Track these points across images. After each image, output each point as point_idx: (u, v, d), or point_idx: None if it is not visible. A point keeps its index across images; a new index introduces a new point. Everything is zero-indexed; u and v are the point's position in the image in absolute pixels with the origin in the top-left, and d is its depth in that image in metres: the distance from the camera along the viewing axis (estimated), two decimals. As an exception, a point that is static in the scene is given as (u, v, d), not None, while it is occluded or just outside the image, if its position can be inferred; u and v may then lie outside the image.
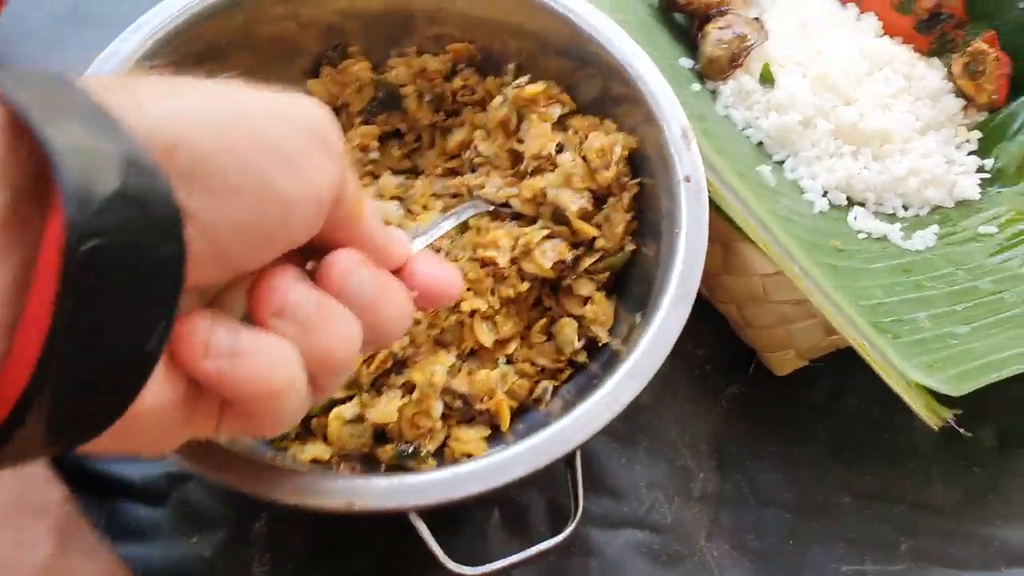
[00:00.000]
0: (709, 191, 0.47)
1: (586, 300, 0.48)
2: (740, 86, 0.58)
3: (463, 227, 0.51)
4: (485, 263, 0.47)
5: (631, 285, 0.49)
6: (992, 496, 0.50)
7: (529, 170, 0.49)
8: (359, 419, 0.45)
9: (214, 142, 0.21)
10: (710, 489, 0.50)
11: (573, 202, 0.47)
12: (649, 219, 0.48)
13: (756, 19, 0.61)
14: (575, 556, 0.47)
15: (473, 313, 0.46)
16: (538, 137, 0.49)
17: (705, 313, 0.54)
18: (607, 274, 0.49)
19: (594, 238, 0.48)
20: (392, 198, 0.53)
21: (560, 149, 0.49)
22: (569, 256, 0.47)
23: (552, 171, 0.48)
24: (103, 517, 0.46)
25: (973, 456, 0.51)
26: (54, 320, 0.17)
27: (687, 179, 0.45)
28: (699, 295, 0.53)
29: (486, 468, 0.38)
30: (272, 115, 0.23)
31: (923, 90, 0.61)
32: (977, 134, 0.60)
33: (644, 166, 0.48)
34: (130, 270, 0.19)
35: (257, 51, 0.51)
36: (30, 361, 0.18)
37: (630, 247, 0.49)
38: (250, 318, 0.25)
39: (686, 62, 0.59)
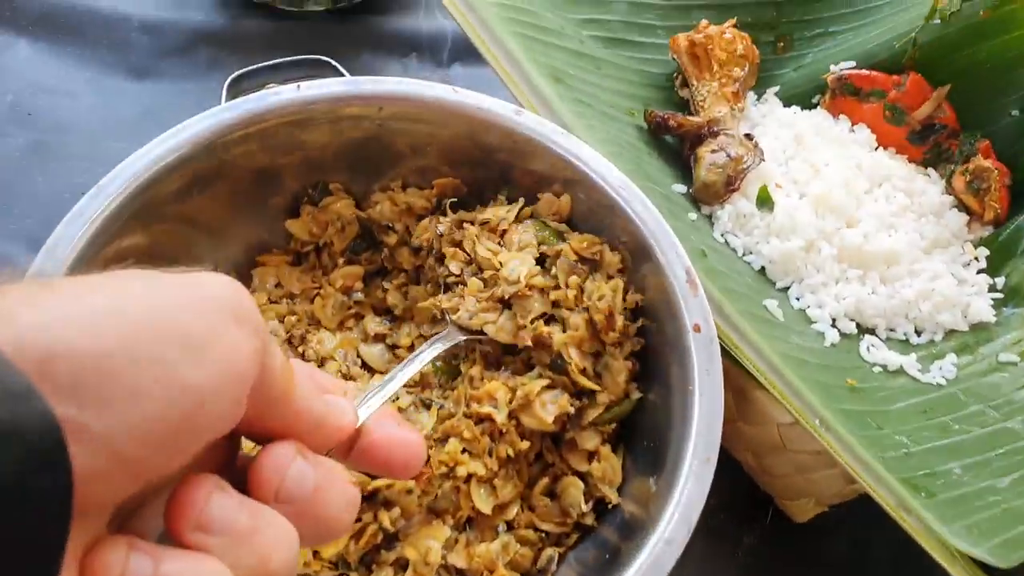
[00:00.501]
0: (720, 338, 0.44)
1: (591, 455, 0.44)
2: (737, 210, 0.56)
3: (453, 375, 0.47)
4: (481, 419, 0.43)
5: (639, 437, 0.45)
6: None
7: (506, 296, 0.45)
8: None
9: (97, 343, 0.19)
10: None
11: (579, 357, 0.43)
12: (654, 363, 0.45)
13: (749, 137, 0.59)
14: None
15: (469, 478, 0.42)
16: (521, 265, 0.45)
17: (718, 460, 0.50)
18: (613, 426, 0.45)
19: (595, 391, 0.44)
20: (376, 337, 0.50)
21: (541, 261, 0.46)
22: (571, 408, 0.44)
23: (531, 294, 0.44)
24: None
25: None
26: None
27: (696, 327, 0.42)
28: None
29: None
30: (170, 300, 0.21)
31: (925, 206, 0.59)
32: (984, 251, 0.58)
33: (646, 310, 0.45)
34: (7, 514, 0.16)
35: (233, 190, 0.48)
36: None
37: (636, 395, 0.45)
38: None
39: (679, 188, 0.57)
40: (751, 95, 0.66)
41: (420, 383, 0.47)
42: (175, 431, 0.20)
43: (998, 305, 0.56)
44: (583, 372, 0.44)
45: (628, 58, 0.63)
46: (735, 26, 0.64)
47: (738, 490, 0.50)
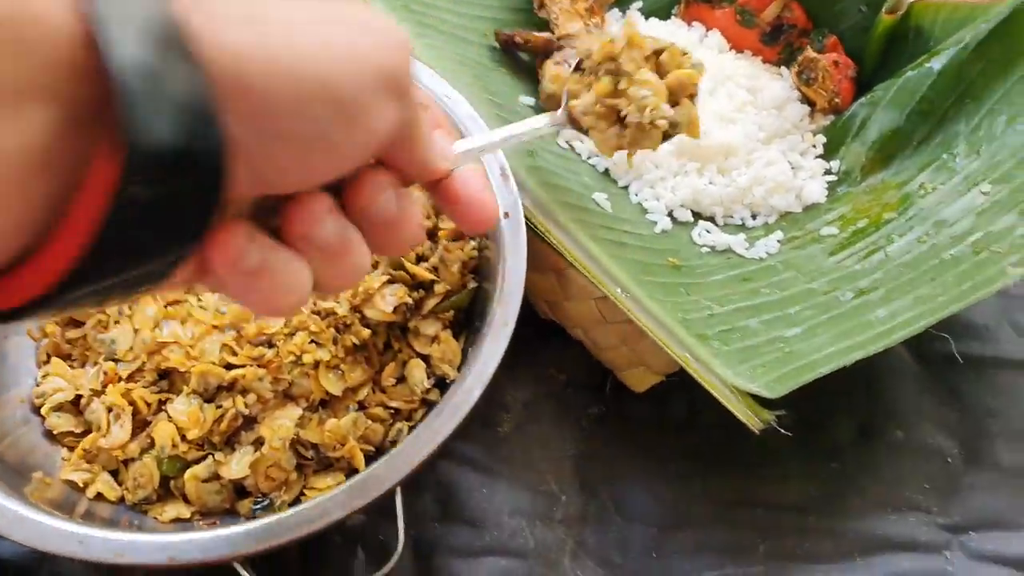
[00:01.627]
0: (531, 223, 0.49)
1: (434, 339, 0.49)
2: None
3: None
4: (327, 314, 0.49)
5: (475, 320, 0.50)
6: (848, 490, 0.51)
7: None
8: (215, 477, 0.46)
9: (286, 91, 0.21)
10: (573, 511, 0.51)
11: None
12: (487, 256, 0.50)
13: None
14: (437, 590, 0.48)
15: (317, 364, 0.48)
16: None
17: (565, 339, 0.56)
18: (451, 312, 0.50)
19: (432, 281, 0.49)
20: None
21: None
22: (410, 299, 0.49)
23: None
24: (-20, 594, 0.47)
25: (830, 453, 0.52)
26: (88, 250, 0.19)
27: (506, 214, 0.47)
28: (554, 322, 0.56)
29: (304, 513, 0.39)
30: (350, 61, 0.23)
31: (768, 101, 0.63)
32: (822, 138, 0.62)
33: None
34: (168, 210, 0.20)
35: None
36: (73, 253, 0.19)
37: (472, 284, 0.50)
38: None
39: (527, 99, 0.61)
40: (615, 12, 0.70)
41: None
42: (310, 172, 0.24)
43: (832, 187, 0.60)
44: (421, 266, 0.49)
45: (485, -18, 0.67)
46: (588, -55, 0.67)
47: (583, 367, 0.55)
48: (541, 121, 0.43)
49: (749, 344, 0.47)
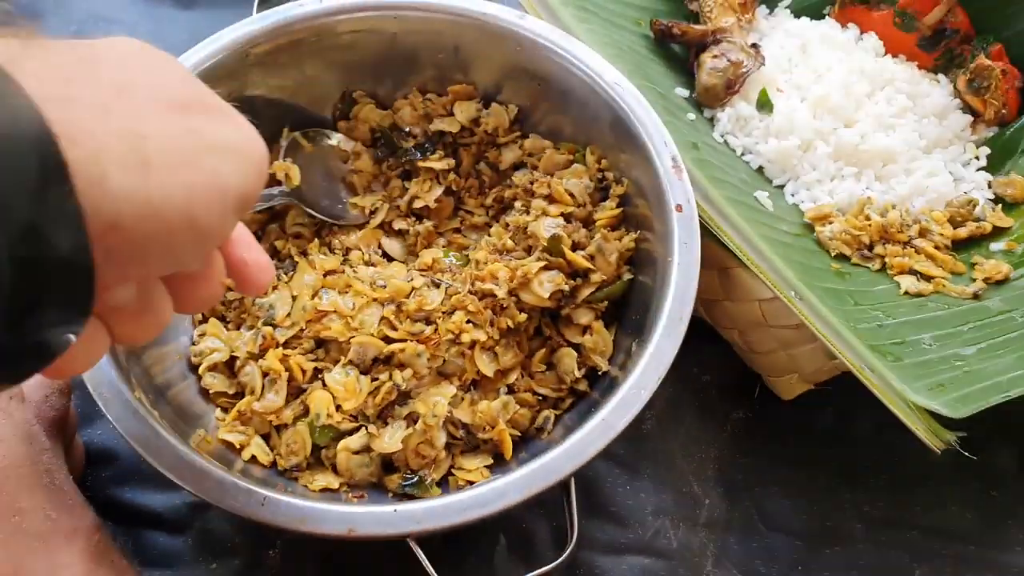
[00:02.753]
0: (703, 218, 0.47)
1: (585, 329, 0.48)
2: (737, 113, 0.59)
3: (464, 263, 0.52)
4: (484, 295, 0.48)
5: (630, 313, 0.49)
6: (1010, 521, 0.49)
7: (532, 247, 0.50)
8: (366, 449, 0.46)
9: (155, 230, 0.23)
10: (717, 515, 0.50)
11: (548, 230, 0.48)
12: (646, 248, 0.49)
13: (753, 45, 0.61)
14: (579, 583, 0.47)
15: (473, 344, 0.47)
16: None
17: (711, 339, 0.54)
18: (605, 303, 0.49)
19: (588, 270, 0.48)
20: (397, 232, 0.55)
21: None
22: (566, 286, 0.48)
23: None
24: (130, 543, 0.48)
25: (990, 480, 0.50)
26: None
27: (679, 208, 0.46)
28: (703, 322, 0.54)
29: (481, 496, 0.39)
30: (214, 196, 0.25)
31: (928, 108, 0.61)
32: (986, 150, 0.59)
33: (640, 196, 0.49)
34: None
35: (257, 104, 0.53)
36: None
37: (627, 276, 0.49)
38: None
39: (682, 91, 0.59)
40: (763, 8, 0.68)
41: (431, 267, 0.52)
42: (156, 271, 0.27)
43: (996, 203, 0.58)
44: (578, 254, 0.49)
45: (639, -28, 0.65)
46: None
47: (729, 369, 0.54)
48: None
49: (923, 360, 0.45)
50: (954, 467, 0.51)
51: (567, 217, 0.50)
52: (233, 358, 0.48)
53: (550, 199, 0.51)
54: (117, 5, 0.73)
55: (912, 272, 0.51)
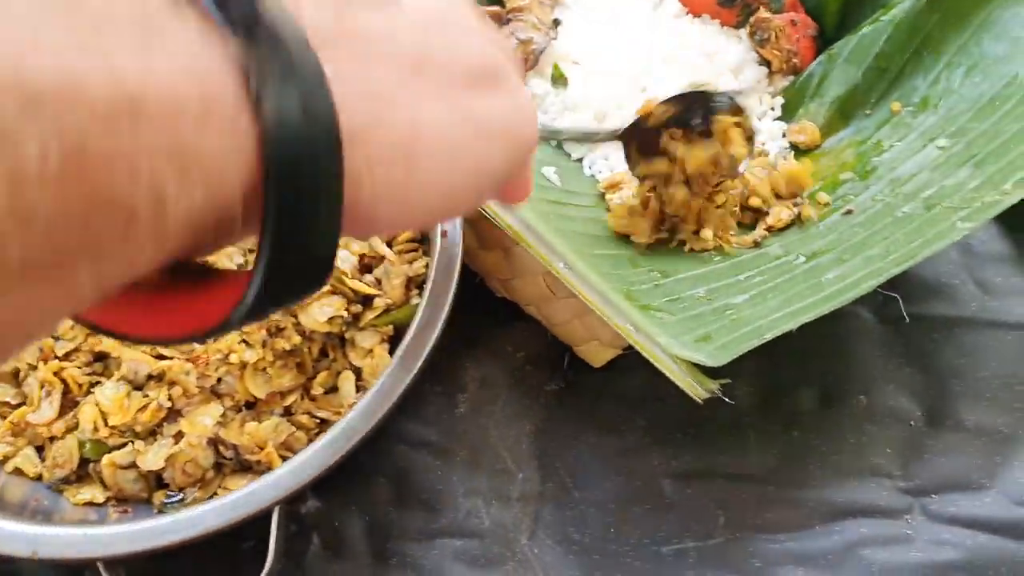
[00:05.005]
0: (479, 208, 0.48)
1: (368, 352, 0.49)
2: (532, 91, 0.59)
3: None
4: None
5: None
6: (809, 458, 0.50)
7: None
8: (134, 465, 0.46)
9: (403, 221, 0.23)
10: (530, 488, 0.50)
11: (343, 262, 0.48)
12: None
13: (545, 21, 0.62)
14: (392, 571, 0.48)
15: (244, 365, 0.47)
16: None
17: (522, 316, 0.55)
18: (390, 327, 0.49)
19: (372, 295, 0.49)
20: None
21: None
22: (346, 312, 0.48)
23: None
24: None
25: (792, 421, 0.51)
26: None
27: (444, 234, 0.46)
28: (510, 300, 0.55)
29: (177, 522, 0.39)
30: (475, 178, 0.24)
31: (724, 64, 0.62)
32: (780, 99, 0.61)
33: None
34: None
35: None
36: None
37: (416, 301, 0.49)
38: None
39: (477, 75, 0.60)
40: (567, -20, 0.68)
41: None
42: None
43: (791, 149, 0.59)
44: (365, 278, 0.49)
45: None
46: (540, -85, 0.66)
47: (541, 343, 0.54)
48: (602, 131, 0.48)
49: (695, 313, 0.46)
50: (760, 413, 0.52)
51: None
52: (18, 369, 0.48)
53: None
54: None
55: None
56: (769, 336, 0.43)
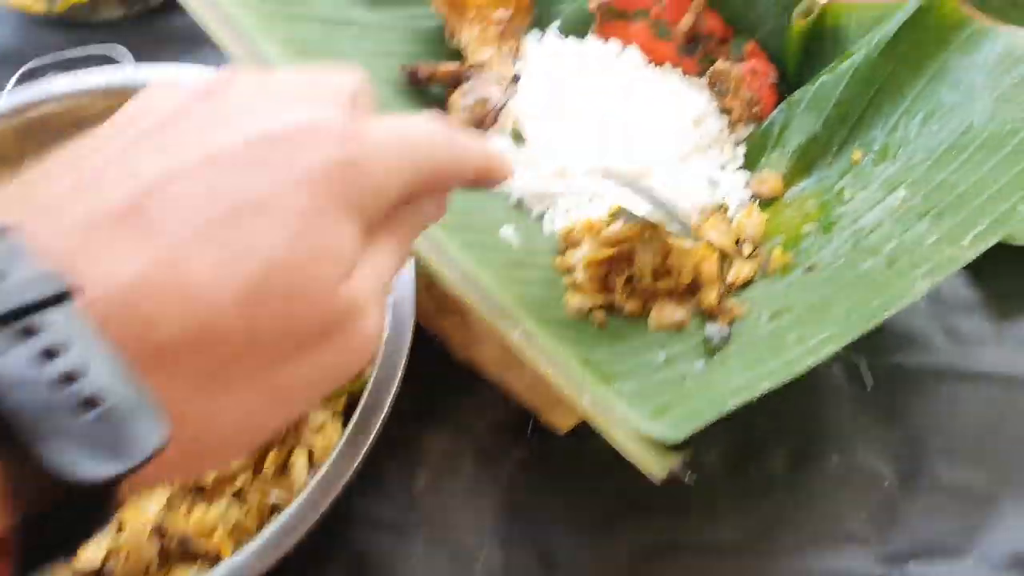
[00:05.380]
0: (432, 270, 0.47)
1: (320, 429, 0.47)
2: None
3: None
4: None
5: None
6: (783, 525, 0.48)
7: None
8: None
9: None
10: (495, 563, 0.49)
11: None
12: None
13: (506, 77, 0.61)
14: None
15: None
16: None
17: (484, 380, 0.54)
18: (343, 399, 0.48)
19: None
20: None
21: None
22: None
23: None
24: None
25: (765, 487, 0.50)
26: None
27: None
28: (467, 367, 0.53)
29: None
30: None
31: (686, 116, 0.61)
32: (742, 148, 0.60)
33: None
34: None
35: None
36: None
37: (367, 373, 0.47)
38: None
39: (435, 135, 0.59)
40: (535, 33, 0.68)
41: None
42: None
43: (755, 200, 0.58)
44: None
45: (395, 17, 0.65)
46: (494, -33, 0.66)
47: (505, 409, 0.53)
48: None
49: (654, 380, 0.45)
50: (731, 478, 0.50)
51: None
52: None
53: None
54: None
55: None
56: (728, 408, 0.41)
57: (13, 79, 0.63)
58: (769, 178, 0.57)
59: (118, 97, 0.51)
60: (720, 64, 0.60)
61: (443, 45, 0.66)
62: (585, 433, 0.51)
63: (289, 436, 0.48)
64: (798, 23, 0.60)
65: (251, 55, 0.55)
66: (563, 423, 0.52)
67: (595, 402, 0.43)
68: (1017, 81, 0.48)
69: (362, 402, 0.43)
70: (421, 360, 0.47)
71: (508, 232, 0.53)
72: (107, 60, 0.66)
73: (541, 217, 0.57)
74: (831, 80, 0.56)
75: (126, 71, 0.55)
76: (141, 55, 0.71)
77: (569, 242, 0.54)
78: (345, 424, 0.47)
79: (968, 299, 0.54)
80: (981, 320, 0.53)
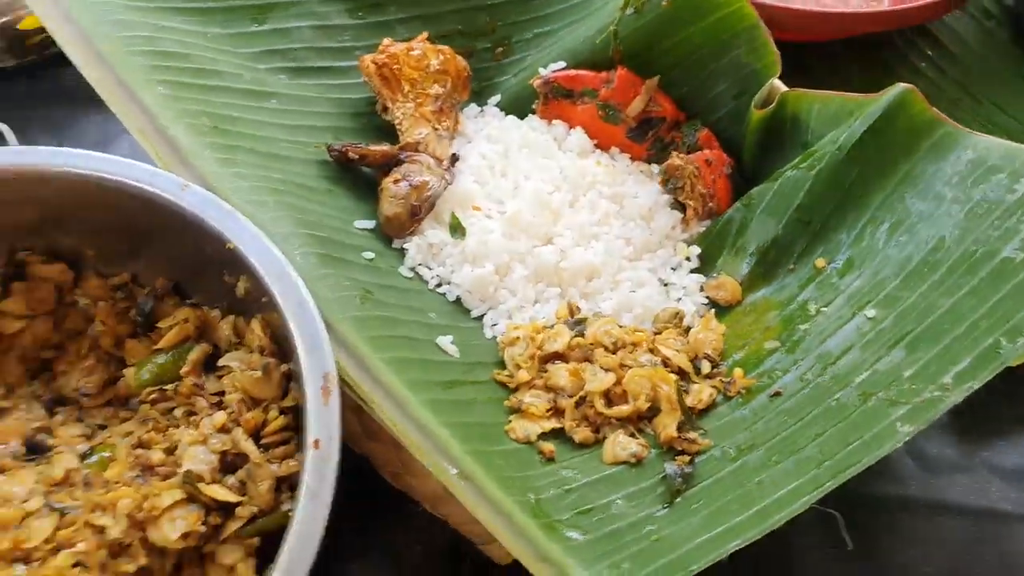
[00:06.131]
0: (360, 399, 0.41)
1: (231, 570, 0.40)
2: (427, 240, 0.53)
3: (104, 466, 0.43)
4: (99, 529, 0.39)
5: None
6: None
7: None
8: None
9: None
10: None
11: (200, 463, 0.40)
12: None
13: (453, 157, 0.56)
14: None
15: None
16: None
17: (418, 508, 0.47)
18: (256, 539, 0.41)
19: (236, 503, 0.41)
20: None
21: None
22: (202, 527, 0.40)
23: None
24: None
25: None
26: None
27: (316, 443, 0.39)
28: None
29: None
30: None
31: (635, 210, 0.57)
32: (696, 249, 0.56)
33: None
34: None
35: None
36: None
37: (286, 507, 0.41)
38: None
39: (366, 223, 0.53)
40: (473, 108, 0.63)
41: (64, 480, 0.43)
42: None
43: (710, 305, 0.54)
44: (226, 480, 0.41)
45: (318, 87, 0.59)
46: (438, 40, 0.61)
47: (442, 538, 0.47)
48: None
49: (610, 529, 0.40)
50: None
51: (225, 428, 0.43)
52: None
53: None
54: None
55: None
56: (697, 568, 0.37)
57: None
58: (727, 283, 0.53)
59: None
60: (675, 160, 0.56)
61: (372, 118, 0.60)
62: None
63: None
64: (756, 113, 0.57)
65: (149, 128, 0.48)
66: (503, 556, 0.46)
67: (544, 559, 0.37)
68: (989, 195, 0.46)
69: (287, 544, 0.36)
70: (349, 482, 0.41)
71: (445, 342, 0.47)
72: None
73: (480, 319, 0.52)
74: (793, 180, 0.53)
75: (5, 152, 0.49)
76: (27, 109, 0.64)
77: (510, 342, 0.49)
78: (260, 565, 0.40)
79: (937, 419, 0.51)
80: (945, 444, 0.50)
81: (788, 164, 0.54)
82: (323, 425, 0.39)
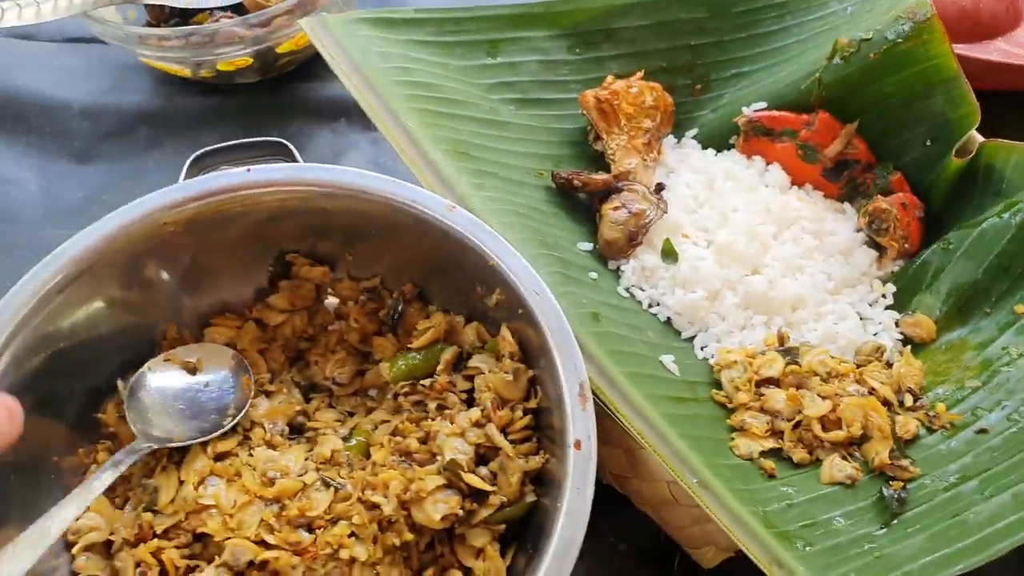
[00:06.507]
0: (603, 402, 0.46)
1: (479, 552, 0.46)
2: (642, 264, 0.58)
3: (364, 450, 0.50)
4: (370, 506, 0.45)
5: (528, 538, 0.46)
6: None
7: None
8: None
9: None
10: None
11: (461, 453, 0.46)
12: (549, 469, 0.46)
13: (658, 187, 0.61)
14: None
15: (353, 561, 0.44)
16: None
17: (627, 504, 0.53)
18: (503, 525, 0.47)
19: (488, 492, 0.46)
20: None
21: None
22: (461, 511, 0.45)
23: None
24: None
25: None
26: None
27: (577, 444, 0.43)
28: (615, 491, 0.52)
29: None
30: None
31: (834, 246, 0.60)
32: (892, 287, 0.59)
33: (545, 416, 0.47)
34: None
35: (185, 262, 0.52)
36: None
37: (530, 497, 0.46)
38: None
39: (586, 246, 0.59)
40: (670, 139, 0.68)
41: (330, 459, 0.49)
42: None
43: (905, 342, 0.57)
44: (480, 471, 0.46)
45: (540, 117, 0.65)
46: (644, 77, 0.66)
47: (647, 537, 0.52)
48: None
49: (834, 544, 0.44)
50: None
51: (479, 423, 0.48)
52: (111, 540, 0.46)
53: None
54: (9, 161, 0.71)
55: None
56: (922, 584, 0.41)
57: (184, 167, 0.62)
58: (922, 321, 0.56)
59: (286, 192, 0.51)
60: (880, 203, 0.59)
61: (584, 147, 0.66)
62: (727, 569, 0.51)
63: (445, 555, 0.46)
64: (954, 162, 0.60)
65: (413, 152, 0.55)
66: (710, 561, 0.51)
67: (781, 565, 0.42)
68: None
69: (557, 534, 0.41)
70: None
71: (668, 360, 0.52)
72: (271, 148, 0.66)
73: (690, 340, 0.56)
74: (993, 229, 0.56)
75: (292, 168, 0.55)
76: (267, 122, 0.72)
77: (725, 364, 0.53)
78: (503, 549, 0.46)
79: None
80: None
81: (984, 212, 0.57)
82: (581, 429, 0.44)
